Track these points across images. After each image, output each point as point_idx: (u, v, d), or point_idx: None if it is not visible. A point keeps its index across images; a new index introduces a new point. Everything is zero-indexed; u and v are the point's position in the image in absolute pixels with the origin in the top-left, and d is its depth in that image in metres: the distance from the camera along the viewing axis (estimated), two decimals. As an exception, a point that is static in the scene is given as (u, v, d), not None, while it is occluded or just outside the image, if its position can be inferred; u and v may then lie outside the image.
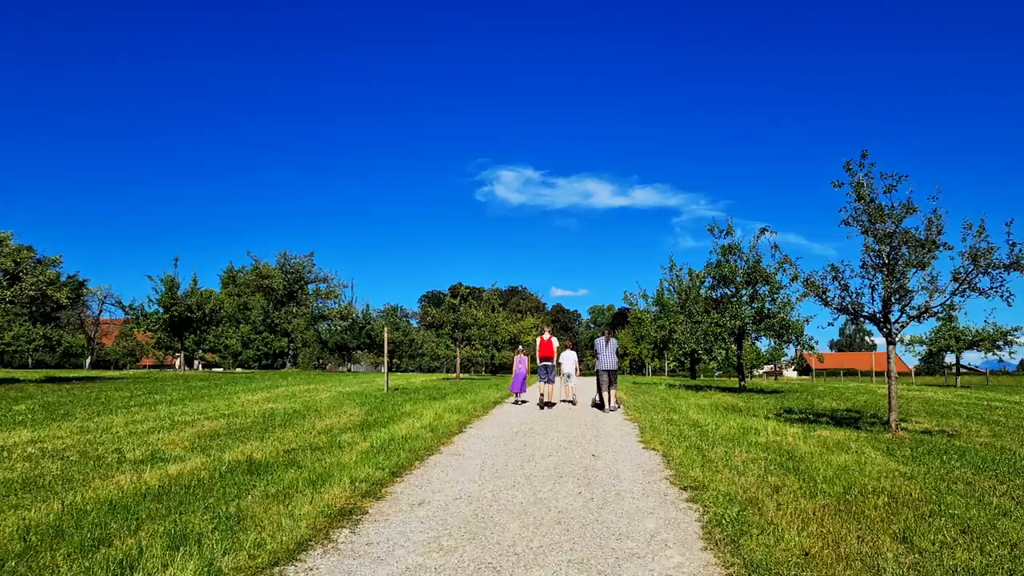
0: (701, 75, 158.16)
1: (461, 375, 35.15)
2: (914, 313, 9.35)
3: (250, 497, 4.98)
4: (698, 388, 22.99)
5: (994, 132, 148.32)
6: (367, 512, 4.78)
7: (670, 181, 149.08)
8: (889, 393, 9.69)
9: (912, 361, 46.28)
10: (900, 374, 68.84)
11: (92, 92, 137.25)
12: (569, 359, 14.72)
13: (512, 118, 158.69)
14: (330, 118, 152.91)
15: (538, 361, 13.80)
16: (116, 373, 35.01)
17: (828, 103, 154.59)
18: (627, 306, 36.88)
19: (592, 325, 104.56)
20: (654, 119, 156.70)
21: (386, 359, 18.42)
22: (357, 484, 5.43)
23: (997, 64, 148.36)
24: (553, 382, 13.66)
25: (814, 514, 4.74)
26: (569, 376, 14.66)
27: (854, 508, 4.97)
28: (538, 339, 14.05)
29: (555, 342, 13.93)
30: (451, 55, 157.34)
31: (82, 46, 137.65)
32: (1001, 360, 31.86)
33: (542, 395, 13.36)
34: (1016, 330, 29.77)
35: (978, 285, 8.72)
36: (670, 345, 33.89)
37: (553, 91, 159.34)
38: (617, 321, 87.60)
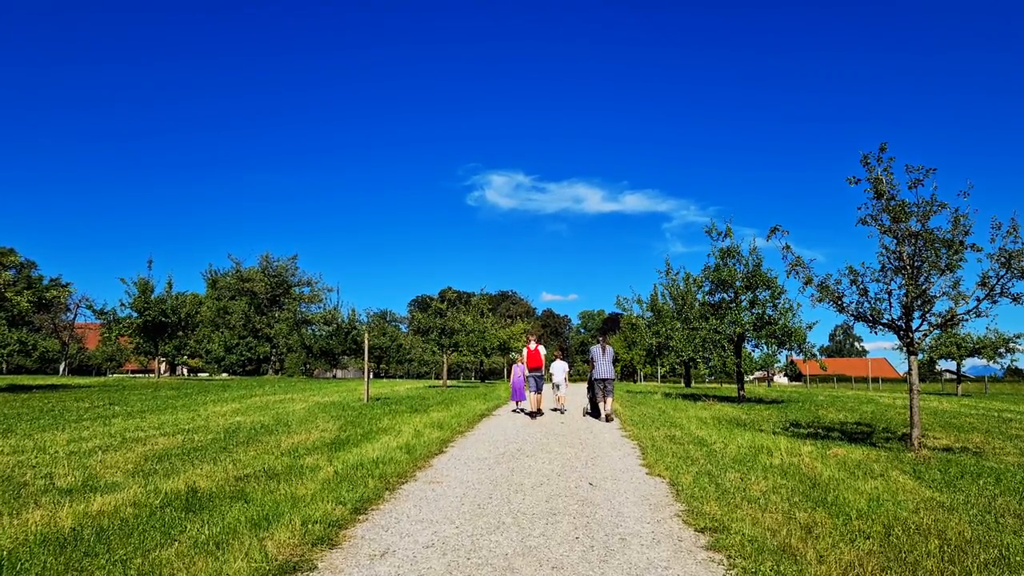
0: (693, 80, 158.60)
1: (448, 382, 34.14)
2: (937, 321, 8.60)
3: (175, 546, 4.06)
4: (695, 397, 22.14)
5: (997, 134, 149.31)
6: (315, 568, 3.86)
7: (660, 187, 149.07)
8: (911, 407, 8.89)
9: (903, 368, 45.81)
10: (893, 381, 68.32)
11: (78, 92, 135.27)
12: (559, 369, 14.50)
13: (503, 122, 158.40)
14: (318, 120, 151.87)
15: (526, 371, 13.66)
16: (86, 380, 33.65)
17: (821, 107, 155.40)
18: (620, 311, 36.10)
19: (583, 330, 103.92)
20: (645, 124, 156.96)
21: (366, 366, 17.41)
22: (310, 526, 4.51)
23: (997, 65, 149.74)
24: (541, 391, 13.52)
25: (862, 566, 3.91)
26: (558, 386, 14.52)
27: (904, 555, 4.15)
28: (524, 349, 13.96)
29: (542, 350, 13.79)
30: (441, 58, 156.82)
31: (65, 46, 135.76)
32: (1003, 367, 31.35)
33: (533, 404, 13.27)
34: (1018, 337, 29.15)
35: (1011, 291, 7.96)
36: (665, 352, 33.11)
37: (544, 95, 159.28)
38: (608, 326, 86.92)
